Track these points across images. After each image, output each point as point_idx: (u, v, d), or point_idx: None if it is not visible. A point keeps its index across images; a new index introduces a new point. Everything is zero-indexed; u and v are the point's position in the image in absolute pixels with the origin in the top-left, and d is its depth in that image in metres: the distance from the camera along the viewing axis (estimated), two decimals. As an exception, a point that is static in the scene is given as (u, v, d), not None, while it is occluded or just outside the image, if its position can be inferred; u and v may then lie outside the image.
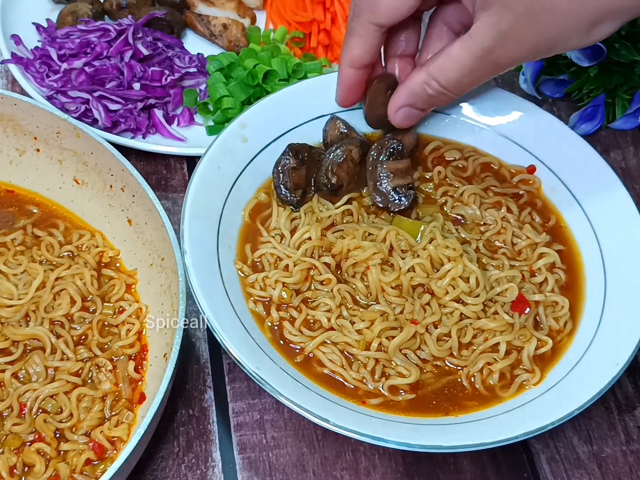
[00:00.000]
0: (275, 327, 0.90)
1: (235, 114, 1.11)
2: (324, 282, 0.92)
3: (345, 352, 0.88)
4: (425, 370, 0.87)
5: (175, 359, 0.78)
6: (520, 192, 1.02)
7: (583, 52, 1.14)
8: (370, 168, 0.99)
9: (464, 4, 0.83)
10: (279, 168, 0.97)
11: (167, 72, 1.19)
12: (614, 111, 1.23)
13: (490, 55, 0.80)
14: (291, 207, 0.98)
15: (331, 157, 0.98)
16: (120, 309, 0.94)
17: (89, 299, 0.94)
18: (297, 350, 0.88)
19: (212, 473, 0.88)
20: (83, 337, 0.92)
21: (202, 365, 0.96)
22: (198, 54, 1.27)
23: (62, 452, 0.83)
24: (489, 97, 1.04)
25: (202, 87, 1.24)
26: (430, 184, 1.02)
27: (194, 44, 1.31)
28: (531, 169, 1.02)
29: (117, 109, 1.14)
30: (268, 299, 0.91)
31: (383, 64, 0.97)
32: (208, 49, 1.30)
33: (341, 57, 0.91)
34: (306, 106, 1.05)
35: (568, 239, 0.98)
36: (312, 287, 0.92)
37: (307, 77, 1.22)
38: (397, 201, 0.98)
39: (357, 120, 1.03)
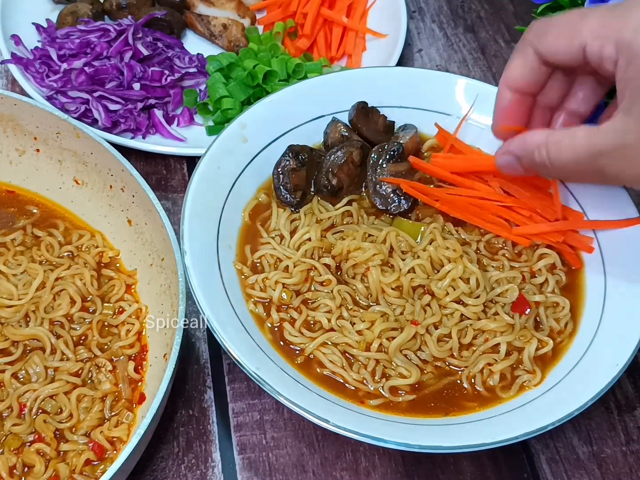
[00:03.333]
0: (276, 328, 0.90)
1: (235, 114, 1.11)
2: (324, 283, 0.92)
3: (346, 353, 0.88)
4: (425, 371, 0.88)
5: (175, 359, 0.78)
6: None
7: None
8: (370, 170, 0.99)
9: (618, 91, 0.76)
10: (279, 169, 0.97)
11: (167, 72, 1.19)
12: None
13: (600, 159, 0.75)
14: (291, 208, 0.98)
15: (332, 158, 0.98)
16: (120, 309, 0.94)
17: (88, 299, 0.94)
18: (298, 352, 0.88)
19: (212, 473, 0.88)
20: (83, 338, 0.91)
21: (202, 365, 0.96)
22: (198, 54, 1.27)
23: (61, 453, 0.83)
24: (489, 97, 1.04)
25: (202, 87, 1.24)
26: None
27: (193, 44, 1.31)
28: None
29: (117, 109, 1.14)
30: (268, 300, 0.91)
31: None
32: (208, 49, 1.30)
33: (500, 80, 0.87)
34: (306, 106, 1.05)
35: (568, 240, 0.98)
36: (312, 288, 0.92)
37: (307, 77, 1.22)
38: (397, 204, 0.98)
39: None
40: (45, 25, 1.25)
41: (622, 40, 0.73)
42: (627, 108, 0.73)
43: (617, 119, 0.74)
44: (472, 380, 0.87)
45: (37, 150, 1.02)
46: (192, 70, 1.24)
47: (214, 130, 1.18)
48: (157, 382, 0.79)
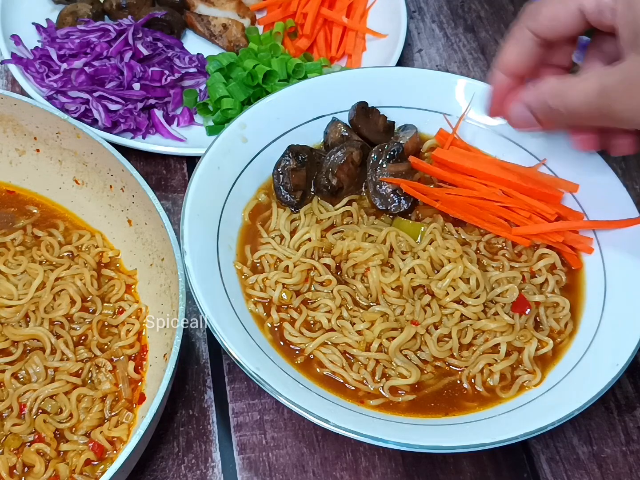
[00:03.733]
0: (276, 328, 0.90)
1: (235, 114, 1.11)
2: (324, 283, 0.92)
3: (346, 353, 0.88)
4: (425, 371, 0.88)
5: (175, 359, 0.78)
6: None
7: (582, 50, 1.13)
8: (370, 170, 0.99)
9: (618, 39, 0.79)
10: (279, 169, 0.97)
11: (167, 72, 1.19)
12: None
13: (608, 95, 0.77)
14: (291, 208, 0.98)
15: (332, 159, 0.98)
16: (120, 309, 0.94)
17: (88, 299, 0.94)
18: (298, 352, 0.88)
19: (212, 473, 0.88)
20: (83, 338, 0.91)
21: (202, 365, 0.96)
22: (198, 54, 1.27)
23: (61, 453, 0.83)
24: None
25: (202, 87, 1.24)
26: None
27: (194, 44, 1.31)
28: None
29: (117, 109, 1.14)
30: (268, 300, 0.91)
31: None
32: (208, 49, 1.30)
33: (495, 63, 0.89)
34: (306, 106, 1.05)
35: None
36: (312, 288, 0.92)
37: (307, 77, 1.22)
38: (397, 204, 0.98)
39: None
40: (45, 25, 1.25)
41: None
42: (632, 43, 0.75)
43: (627, 59, 0.76)
44: (472, 380, 0.87)
45: (37, 150, 1.02)
46: (192, 70, 1.24)
47: (214, 130, 1.18)
48: (157, 382, 0.79)
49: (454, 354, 0.88)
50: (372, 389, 0.86)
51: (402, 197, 0.98)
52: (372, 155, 0.99)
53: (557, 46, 0.88)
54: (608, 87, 0.77)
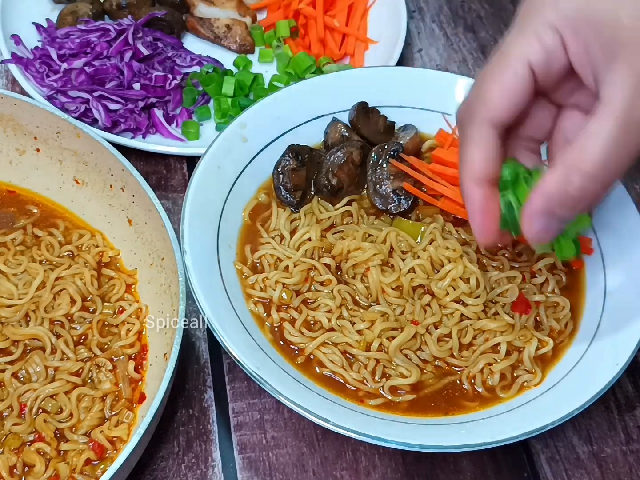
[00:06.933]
0: (276, 328, 0.90)
1: (235, 114, 1.11)
2: (324, 283, 0.92)
3: (346, 353, 0.88)
4: (425, 371, 0.88)
5: (175, 359, 0.78)
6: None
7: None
8: (370, 170, 0.99)
9: (580, 74, 0.69)
10: (279, 169, 0.97)
11: (170, 76, 1.19)
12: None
13: (633, 113, 0.65)
14: (291, 208, 0.98)
15: (332, 159, 0.98)
16: (120, 309, 0.94)
17: (89, 298, 0.94)
18: (298, 351, 0.88)
19: (212, 473, 0.88)
20: (83, 337, 0.91)
21: (202, 365, 0.96)
22: (207, 56, 1.26)
23: (62, 452, 0.83)
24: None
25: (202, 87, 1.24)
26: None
27: (194, 44, 1.31)
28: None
29: (117, 109, 1.14)
30: (268, 299, 0.91)
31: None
32: (208, 49, 1.30)
33: (460, 176, 0.74)
34: (306, 106, 1.05)
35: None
36: (312, 288, 0.92)
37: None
38: (397, 204, 0.98)
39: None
40: (45, 25, 1.25)
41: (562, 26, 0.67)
42: (607, 59, 0.66)
43: (609, 76, 0.66)
44: (472, 380, 0.87)
45: (37, 150, 1.02)
46: (193, 69, 1.24)
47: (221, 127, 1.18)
48: (157, 382, 0.79)
49: (454, 353, 0.88)
50: (372, 388, 0.86)
51: (402, 197, 0.98)
52: (372, 155, 0.99)
53: (521, 123, 0.77)
54: (629, 104, 0.65)
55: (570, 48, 0.69)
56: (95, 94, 1.14)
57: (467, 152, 0.73)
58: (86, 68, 1.16)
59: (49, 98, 1.14)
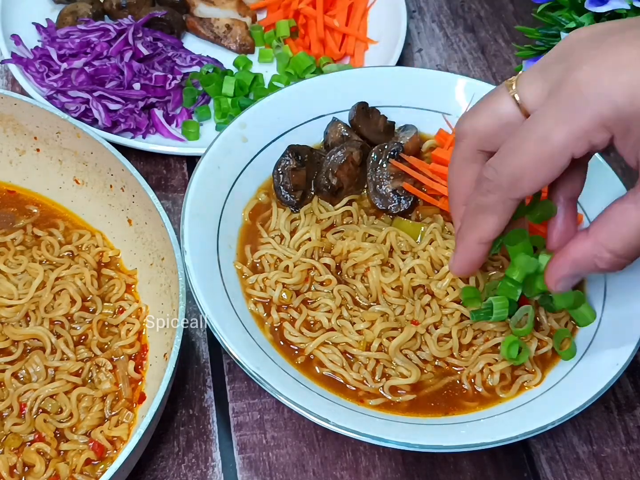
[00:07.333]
0: (276, 328, 0.90)
1: (235, 114, 1.11)
2: (324, 283, 0.92)
3: (346, 353, 0.88)
4: (425, 371, 0.88)
5: (175, 359, 0.78)
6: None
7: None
8: (370, 170, 0.99)
9: (622, 155, 0.69)
10: (279, 169, 0.97)
11: (170, 76, 1.19)
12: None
13: None
14: (291, 208, 0.98)
15: (332, 159, 0.98)
16: (120, 309, 0.94)
17: (89, 298, 0.94)
18: (298, 351, 0.88)
19: (212, 473, 0.88)
20: (83, 337, 0.91)
21: (202, 365, 0.96)
22: (207, 56, 1.26)
23: (62, 452, 0.83)
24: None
25: (202, 87, 1.24)
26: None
27: (194, 44, 1.31)
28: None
29: (117, 109, 1.14)
30: (268, 299, 0.91)
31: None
32: (209, 49, 1.30)
33: (466, 232, 0.78)
34: (306, 106, 1.05)
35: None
36: (312, 288, 0.92)
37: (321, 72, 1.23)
38: (397, 204, 0.98)
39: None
40: (45, 25, 1.25)
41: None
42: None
43: None
44: (472, 380, 0.87)
45: (37, 150, 1.02)
46: (194, 69, 1.24)
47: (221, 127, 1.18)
48: (157, 382, 0.79)
49: (454, 353, 0.88)
50: (372, 388, 0.86)
51: (402, 197, 0.98)
52: (372, 155, 0.99)
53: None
54: None
55: (619, 140, 0.67)
56: (95, 94, 1.14)
57: (482, 220, 0.76)
58: (86, 68, 1.16)
59: (49, 98, 1.14)
